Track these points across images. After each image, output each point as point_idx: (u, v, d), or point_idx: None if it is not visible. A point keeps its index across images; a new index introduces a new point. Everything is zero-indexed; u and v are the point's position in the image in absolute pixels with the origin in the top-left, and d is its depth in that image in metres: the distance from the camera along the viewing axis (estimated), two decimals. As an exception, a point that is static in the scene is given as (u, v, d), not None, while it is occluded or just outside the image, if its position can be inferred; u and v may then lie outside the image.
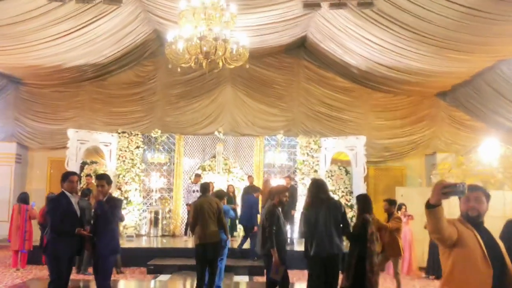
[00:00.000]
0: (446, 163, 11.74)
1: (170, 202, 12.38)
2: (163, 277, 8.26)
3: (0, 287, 7.25)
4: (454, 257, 2.61)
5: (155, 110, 12.78)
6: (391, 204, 7.16)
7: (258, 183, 11.73)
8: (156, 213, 11.84)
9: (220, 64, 6.41)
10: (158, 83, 12.86)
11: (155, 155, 12.55)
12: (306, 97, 12.95)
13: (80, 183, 10.74)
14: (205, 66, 6.33)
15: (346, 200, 11.77)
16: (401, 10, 8.25)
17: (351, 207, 11.45)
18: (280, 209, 5.42)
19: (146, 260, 8.83)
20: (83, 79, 12.53)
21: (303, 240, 5.28)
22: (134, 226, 11.67)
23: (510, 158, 10.38)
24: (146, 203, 12.30)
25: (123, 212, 9.32)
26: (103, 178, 5.05)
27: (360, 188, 11.18)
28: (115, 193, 10.97)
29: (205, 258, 6.06)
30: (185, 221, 11.33)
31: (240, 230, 11.65)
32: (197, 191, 9.33)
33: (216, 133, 12.51)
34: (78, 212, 5.01)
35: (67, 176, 5.08)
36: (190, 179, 11.83)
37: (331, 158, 12.35)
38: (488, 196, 2.76)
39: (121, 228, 10.78)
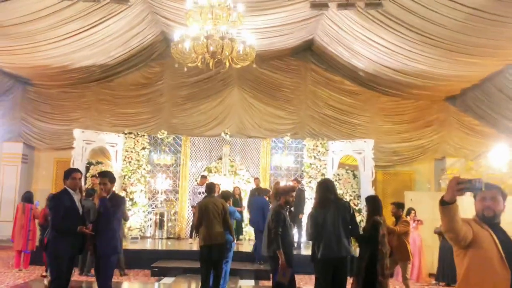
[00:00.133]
0: (455, 168, 11.58)
1: (176, 204, 12.31)
2: (167, 280, 8.16)
3: (2, 287, 7.17)
4: (469, 258, 2.49)
5: (162, 111, 12.75)
6: (398, 207, 6.98)
7: (265, 185, 11.63)
8: (162, 215, 11.76)
9: (227, 64, 6.35)
10: (165, 85, 12.86)
11: (161, 156, 12.51)
12: (313, 100, 12.86)
13: (85, 183, 10.70)
14: (212, 65, 6.27)
15: (354, 204, 11.60)
16: (408, 12, 8.15)
17: (359, 211, 11.30)
18: (286, 210, 5.31)
19: (150, 262, 8.77)
20: (90, 80, 12.56)
21: (310, 243, 5.13)
22: (139, 227, 11.61)
23: (521, 163, 10.23)
24: (151, 205, 12.23)
25: (128, 213, 9.27)
26: (105, 176, 4.95)
27: (368, 192, 10.97)
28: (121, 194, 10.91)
29: (210, 260, 5.95)
30: (191, 223, 11.26)
31: (246, 234, 11.56)
32: (203, 192, 9.23)
33: (222, 135, 12.45)
34: (81, 210, 4.88)
35: (70, 173, 4.92)
36: (196, 181, 11.75)
37: (339, 162, 12.23)
38: (504, 195, 2.65)
39: (125, 230, 10.71)
